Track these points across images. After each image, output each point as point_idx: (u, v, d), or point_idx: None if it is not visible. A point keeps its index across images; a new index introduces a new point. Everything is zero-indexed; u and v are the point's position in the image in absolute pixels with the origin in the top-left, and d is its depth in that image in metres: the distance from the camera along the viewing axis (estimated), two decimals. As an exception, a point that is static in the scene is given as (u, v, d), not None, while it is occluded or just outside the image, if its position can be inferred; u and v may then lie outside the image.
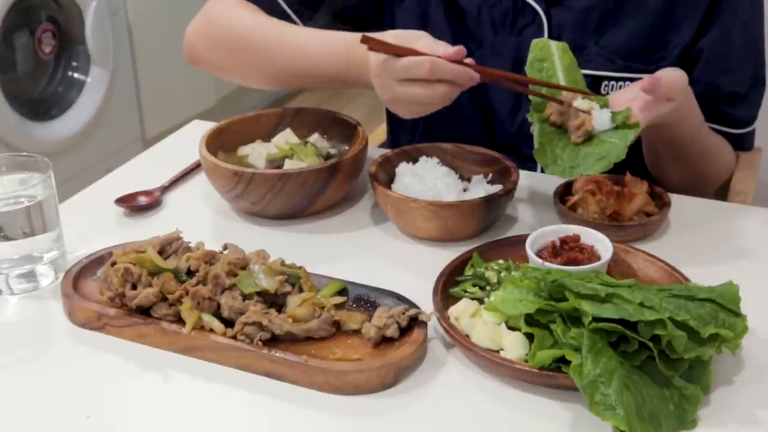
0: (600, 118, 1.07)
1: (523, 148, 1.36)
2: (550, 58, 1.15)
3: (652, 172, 1.35)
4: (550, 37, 1.29)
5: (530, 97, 1.13)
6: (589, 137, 1.07)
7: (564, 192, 1.19)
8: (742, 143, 1.38)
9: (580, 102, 1.09)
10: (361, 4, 1.36)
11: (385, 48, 1.06)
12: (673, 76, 1.09)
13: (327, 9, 1.34)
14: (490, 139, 1.39)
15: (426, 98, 1.06)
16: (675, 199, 1.18)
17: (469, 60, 1.07)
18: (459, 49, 1.04)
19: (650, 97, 1.07)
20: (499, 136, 1.38)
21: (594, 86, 1.29)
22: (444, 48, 1.05)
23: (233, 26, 1.31)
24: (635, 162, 1.35)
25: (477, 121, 1.39)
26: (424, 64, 1.04)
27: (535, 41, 1.16)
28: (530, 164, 1.37)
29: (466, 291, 1.00)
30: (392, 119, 1.51)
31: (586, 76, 1.27)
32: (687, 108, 1.20)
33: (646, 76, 1.08)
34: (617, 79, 1.29)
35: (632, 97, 1.09)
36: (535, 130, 1.10)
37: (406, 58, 1.05)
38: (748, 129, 1.38)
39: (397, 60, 1.05)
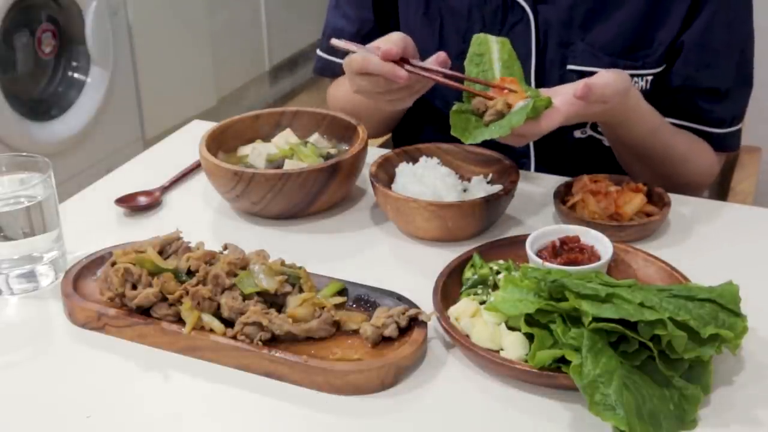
0: (519, 105, 1.09)
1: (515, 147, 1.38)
2: (488, 53, 1.18)
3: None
4: (537, 34, 1.31)
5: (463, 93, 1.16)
6: (501, 117, 1.09)
7: (564, 192, 1.19)
8: (725, 144, 1.36)
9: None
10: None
11: (346, 46, 1.19)
12: (606, 80, 1.11)
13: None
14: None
15: (365, 88, 1.16)
16: (675, 199, 1.18)
17: (426, 63, 1.16)
18: (387, 50, 1.12)
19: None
20: None
21: (578, 79, 1.31)
22: (384, 47, 1.14)
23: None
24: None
25: None
26: (356, 59, 1.14)
27: (475, 36, 1.19)
28: (523, 160, 1.39)
29: (476, 294, 0.99)
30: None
31: (572, 71, 1.30)
32: (633, 109, 1.20)
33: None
34: None
35: (566, 92, 1.11)
36: (452, 111, 1.12)
37: (349, 56, 1.17)
38: (732, 129, 1.35)
39: (350, 57, 1.17)
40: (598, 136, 1.36)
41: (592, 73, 1.28)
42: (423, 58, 1.20)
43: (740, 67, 1.33)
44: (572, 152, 1.38)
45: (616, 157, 1.34)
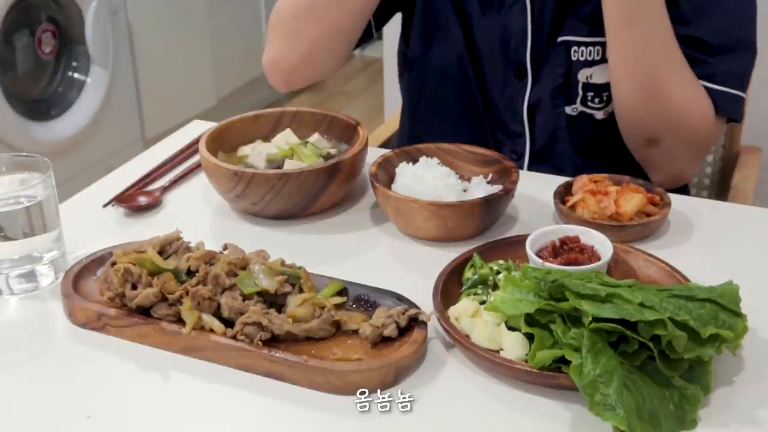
0: None
1: (512, 125, 1.41)
2: None
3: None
4: (533, 15, 1.34)
5: None
6: None
7: (564, 192, 1.19)
8: (719, 103, 1.28)
9: None
10: None
11: None
12: None
13: None
14: (489, 117, 1.44)
15: None
16: (675, 199, 1.18)
17: None
18: None
19: None
20: (493, 111, 1.43)
21: (565, 51, 1.34)
22: None
23: (282, 14, 1.41)
24: (634, 164, 1.35)
25: (478, 91, 1.43)
26: None
27: None
28: (519, 140, 1.42)
29: (476, 294, 0.99)
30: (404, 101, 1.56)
31: (559, 42, 1.34)
32: None
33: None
34: (586, 44, 1.33)
35: None
36: None
37: None
38: (725, 89, 1.28)
39: None
40: (589, 110, 1.37)
41: (575, 42, 1.33)
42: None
43: (737, 28, 1.29)
44: (567, 131, 1.39)
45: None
